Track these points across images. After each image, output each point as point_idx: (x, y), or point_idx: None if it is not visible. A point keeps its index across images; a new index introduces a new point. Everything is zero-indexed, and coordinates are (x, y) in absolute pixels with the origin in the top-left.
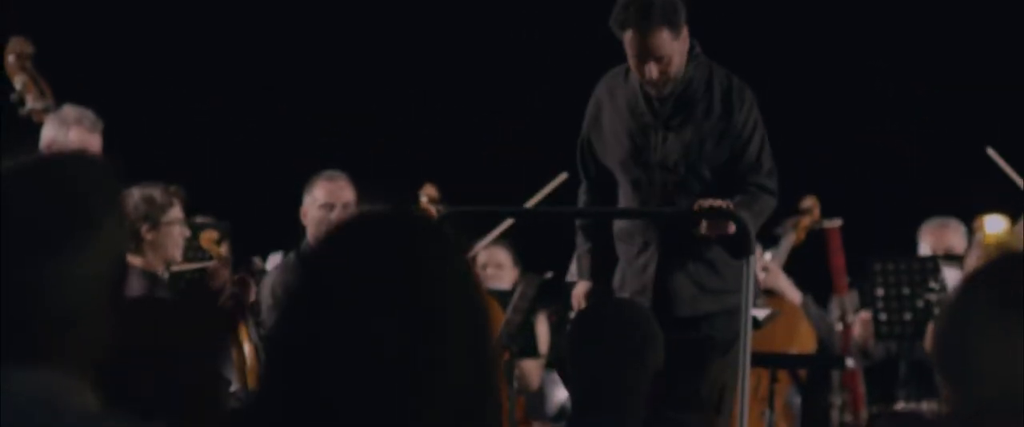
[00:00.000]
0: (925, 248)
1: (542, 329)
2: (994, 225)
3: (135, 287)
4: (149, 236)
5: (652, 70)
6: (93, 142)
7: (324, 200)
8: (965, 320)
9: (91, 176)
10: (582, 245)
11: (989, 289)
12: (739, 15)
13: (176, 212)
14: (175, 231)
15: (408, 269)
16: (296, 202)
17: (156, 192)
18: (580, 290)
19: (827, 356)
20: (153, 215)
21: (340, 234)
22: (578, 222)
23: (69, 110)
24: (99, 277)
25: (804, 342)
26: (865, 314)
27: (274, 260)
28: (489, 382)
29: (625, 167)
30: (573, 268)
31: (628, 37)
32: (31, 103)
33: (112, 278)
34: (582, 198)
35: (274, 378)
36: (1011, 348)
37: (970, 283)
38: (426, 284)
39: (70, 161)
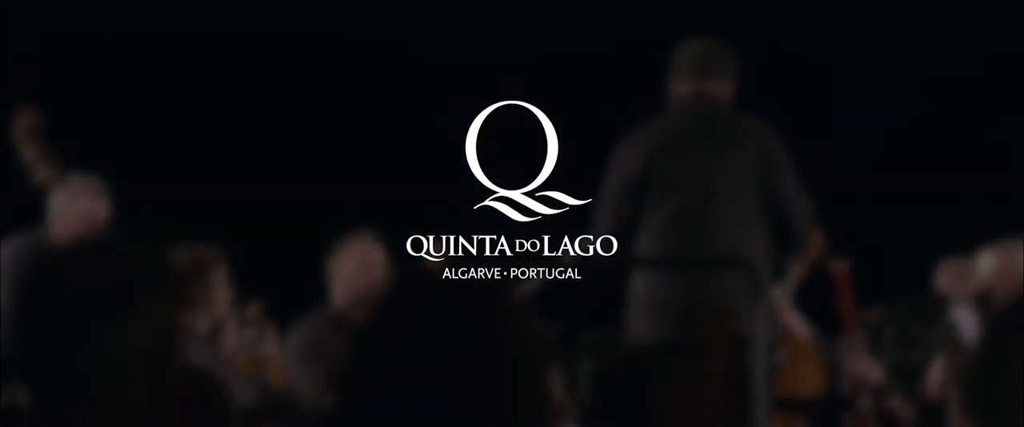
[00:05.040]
0: (941, 288)
1: None
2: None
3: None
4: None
5: None
6: (99, 210)
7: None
8: (997, 361)
9: (139, 256)
10: None
11: (1020, 329)
12: None
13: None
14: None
15: (481, 338)
16: None
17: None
18: None
19: (837, 399)
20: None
21: (398, 306)
22: None
23: (76, 180)
24: (140, 353)
25: (811, 382)
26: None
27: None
28: None
29: None
30: None
31: None
32: (39, 173)
33: (157, 354)
34: None
35: None
36: None
37: (1000, 323)
38: (499, 351)
39: (119, 241)
